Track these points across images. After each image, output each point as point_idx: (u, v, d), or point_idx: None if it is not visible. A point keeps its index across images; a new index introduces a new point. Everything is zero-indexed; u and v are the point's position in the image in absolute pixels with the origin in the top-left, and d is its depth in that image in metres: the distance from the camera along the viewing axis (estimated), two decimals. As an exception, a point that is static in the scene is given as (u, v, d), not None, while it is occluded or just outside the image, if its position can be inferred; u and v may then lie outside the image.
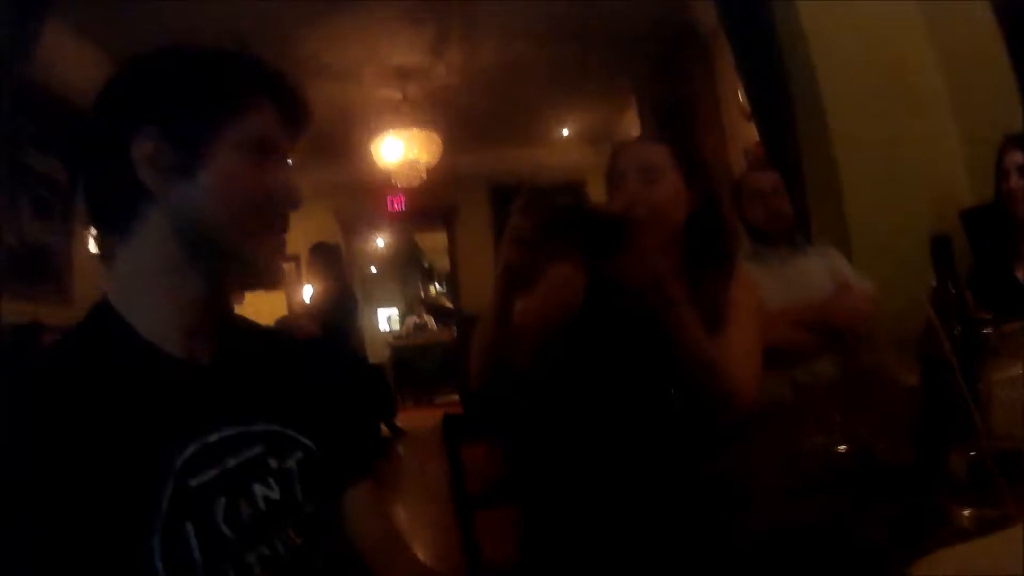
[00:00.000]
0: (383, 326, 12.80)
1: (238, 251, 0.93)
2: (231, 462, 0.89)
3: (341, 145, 6.89)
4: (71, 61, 4.69)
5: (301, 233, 6.62)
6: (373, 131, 6.52)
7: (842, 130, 3.18)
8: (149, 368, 0.90)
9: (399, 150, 6.46)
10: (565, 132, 8.24)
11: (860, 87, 3.19)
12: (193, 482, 0.84)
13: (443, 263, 11.77)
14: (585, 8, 5.19)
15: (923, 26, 3.26)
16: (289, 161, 1.01)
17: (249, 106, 0.94)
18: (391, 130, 6.44)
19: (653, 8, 5.32)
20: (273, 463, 0.95)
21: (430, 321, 11.99)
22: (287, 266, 7.85)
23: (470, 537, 1.77)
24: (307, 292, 6.52)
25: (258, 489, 0.91)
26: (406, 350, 10.40)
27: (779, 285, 2.45)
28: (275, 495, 0.93)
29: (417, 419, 7.23)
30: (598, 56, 6.07)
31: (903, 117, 3.18)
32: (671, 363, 1.51)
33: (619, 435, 1.61)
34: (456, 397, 7.75)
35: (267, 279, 0.98)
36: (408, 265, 13.73)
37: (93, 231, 0.98)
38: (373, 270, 12.77)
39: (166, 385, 0.89)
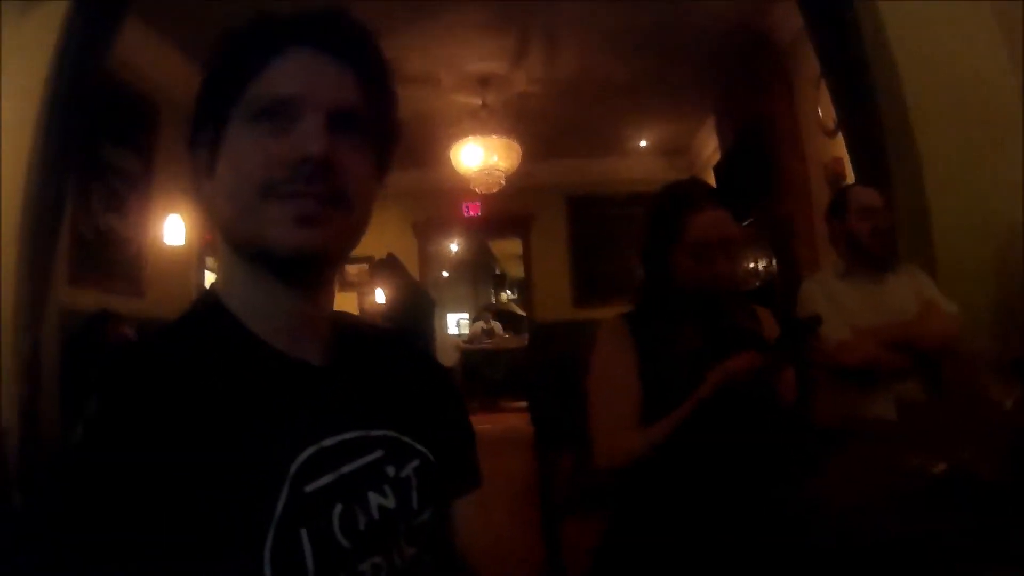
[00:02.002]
0: (452, 330, 12.89)
1: (248, 239, 0.82)
2: (347, 468, 0.83)
3: (417, 150, 6.96)
4: (148, 58, 4.89)
5: (376, 236, 6.71)
6: (450, 137, 6.57)
7: (929, 148, 3.09)
8: (261, 365, 0.83)
9: (479, 156, 6.48)
10: (643, 143, 8.20)
11: (946, 104, 3.10)
12: (309, 488, 0.77)
13: (515, 270, 11.81)
14: (665, 22, 5.20)
15: (1003, 44, 3.16)
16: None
17: (259, 67, 0.82)
18: (471, 136, 6.47)
19: (733, 24, 5.30)
20: (390, 471, 0.88)
21: (497, 327, 12.02)
22: (357, 268, 7.99)
23: (555, 544, 1.76)
24: (380, 296, 6.60)
25: (373, 497, 0.84)
26: (475, 355, 10.41)
27: (868, 304, 2.43)
28: (390, 504, 0.85)
29: (484, 424, 7.26)
30: (677, 69, 6.06)
31: (990, 137, 3.08)
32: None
33: (713, 452, 1.62)
34: (523, 403, 7.74)
35: (282, 252, 0.81)
36: (480, 271, 13.79)
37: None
38: (445, 275, 12.87)
39: (280, 384, 0.83)
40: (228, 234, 0.85)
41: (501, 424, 6.98)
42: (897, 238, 3.11)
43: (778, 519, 1.39)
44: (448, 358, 9.51)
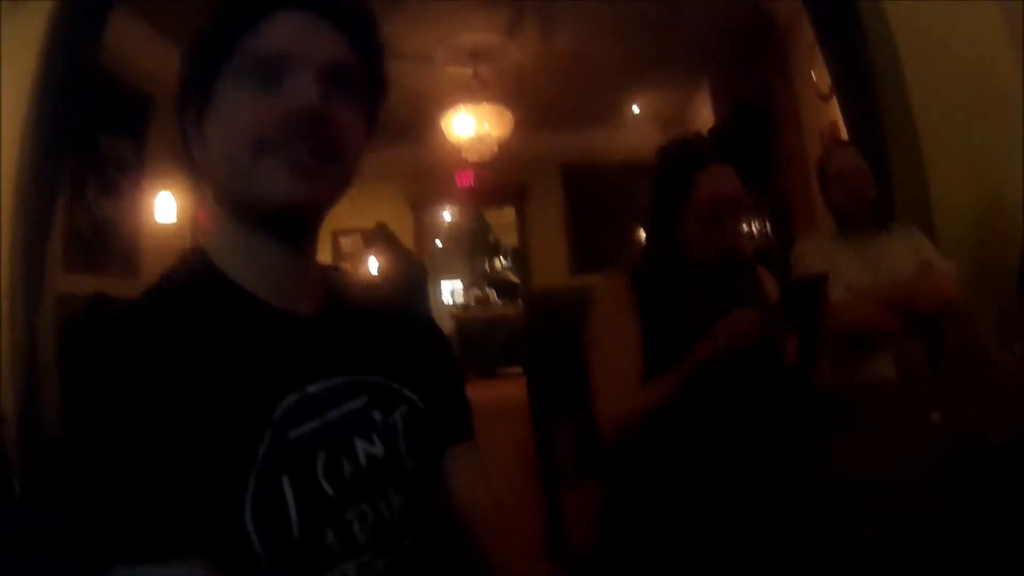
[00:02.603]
0: (447, 299, 12.90)
1: (241, 195, 0.83)
2: (333, 414, 0.82)
3: (411, 123, 6.91)
4: (141, 49, 4.86)
5: (369, 207, 6.72)
6: (443, 108, 6.54)
7: (926, 110, 3.08)
8: (249, 317, 0.84)
9: (470, 125, 6.48)
10: (636, 110, 8.15)
11: (943, 67, 3.09)
12: (292, 434, 0.77)
13: (509, 238, 11.78)
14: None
15: (1000, 11, 3.15)
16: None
17: (248, 27, 0.82)
18: (463, 105, 6.45)
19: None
20: (377, 416, 0.87)
21: (492, 295, 12.03)
22: (351, 239, 7.96)
23: (556, 511, 1.76)
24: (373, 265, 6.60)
25: (360, 444, 0.83)
26: (469, 322, 10.42)
27: (863, 266, 2.42)
28: (377, 450, 0.85)
29: (479, 392, 7.27)
30: (673, 41, 6.01)
31: (985, 100, 3.08)
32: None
33: (716, 416, 1.62)
34: (518, 370, 7.75)
35: (275, 204, 0.81)
36: (474, 239, 13.75)
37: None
38: (439, 244, 12.84)
39: (267, 334, 0.83)
40: (220, 193, 0.86)
41: (497, 392, 7.00)
42: (892, 198, 3.10)
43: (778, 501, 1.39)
44: (442, 326, 9.52)
